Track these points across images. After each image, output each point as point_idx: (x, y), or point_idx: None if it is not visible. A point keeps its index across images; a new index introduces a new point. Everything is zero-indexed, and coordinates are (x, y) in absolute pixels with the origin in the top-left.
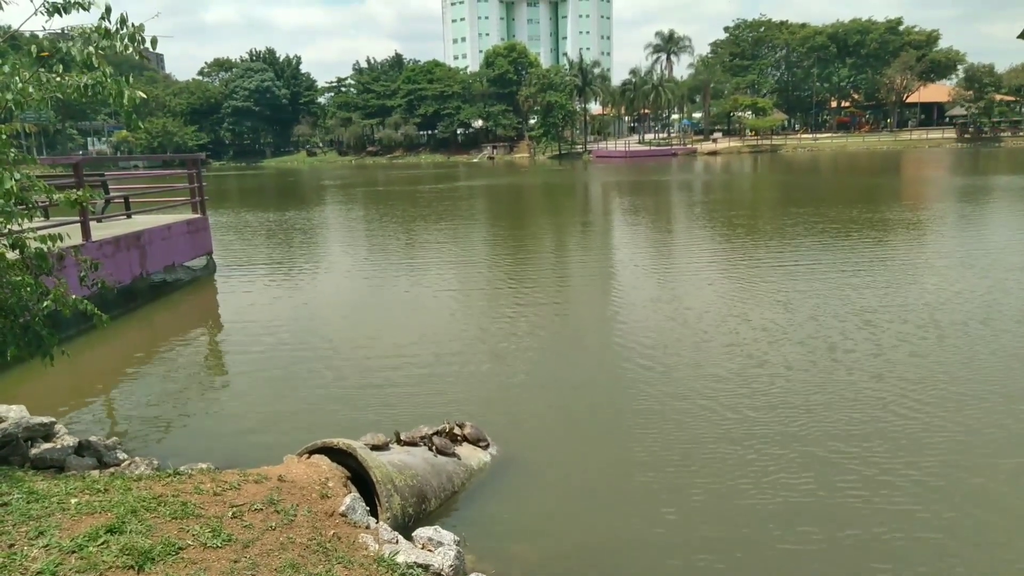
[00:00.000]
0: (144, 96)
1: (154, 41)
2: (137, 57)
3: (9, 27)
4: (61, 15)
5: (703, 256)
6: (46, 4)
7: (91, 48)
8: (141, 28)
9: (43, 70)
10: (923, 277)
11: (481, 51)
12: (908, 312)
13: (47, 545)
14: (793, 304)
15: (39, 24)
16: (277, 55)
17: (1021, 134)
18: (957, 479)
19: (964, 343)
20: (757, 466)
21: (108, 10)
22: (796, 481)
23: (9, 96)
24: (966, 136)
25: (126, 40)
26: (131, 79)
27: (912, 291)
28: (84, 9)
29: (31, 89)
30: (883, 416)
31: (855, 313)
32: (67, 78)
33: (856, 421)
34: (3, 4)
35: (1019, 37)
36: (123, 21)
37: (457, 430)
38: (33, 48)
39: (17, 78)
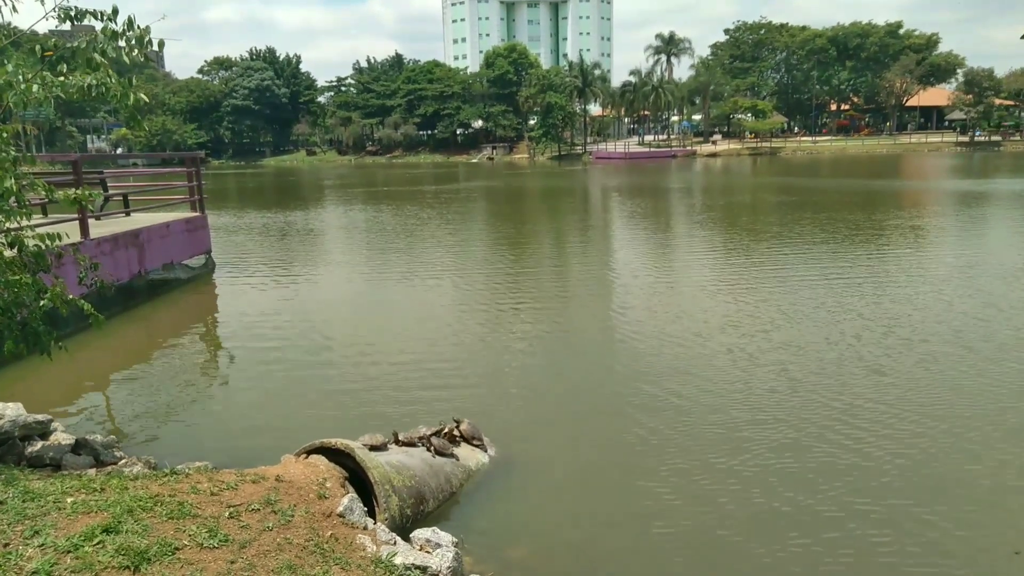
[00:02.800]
0: (147, 100)
1: (161, 44)
2: (142, 59)
3: (10, 24)
4: (73, 23)
5: (707, 263)
6: (57, 11)
7: (96, 54)
8: (147, 31)
9: (46, 71)
10: (951, 288)
11: (481, 52)
12: (942, 326)
13: (42, 545)
14: (808, 317)
15: (45, 25)
16: (277, 54)
17: (1018, 138)
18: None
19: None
20: (759, 471)
21: (115, 11)
22: (802, 492)
23: (12, 96)
24: (965, 140)
25: (133, 42)
26: (133, 79)
27: (941, 304)
28: (96, 18)
29: (35, 88)
30: (916, 453)
31: (885, 329)
32: (71, 78)
33: (885, 456)
34: (15, 7)
35: (1023, 38)
36: (130, 24)
37: (453, 426)
38: (37, 48)
39: (20, 77)
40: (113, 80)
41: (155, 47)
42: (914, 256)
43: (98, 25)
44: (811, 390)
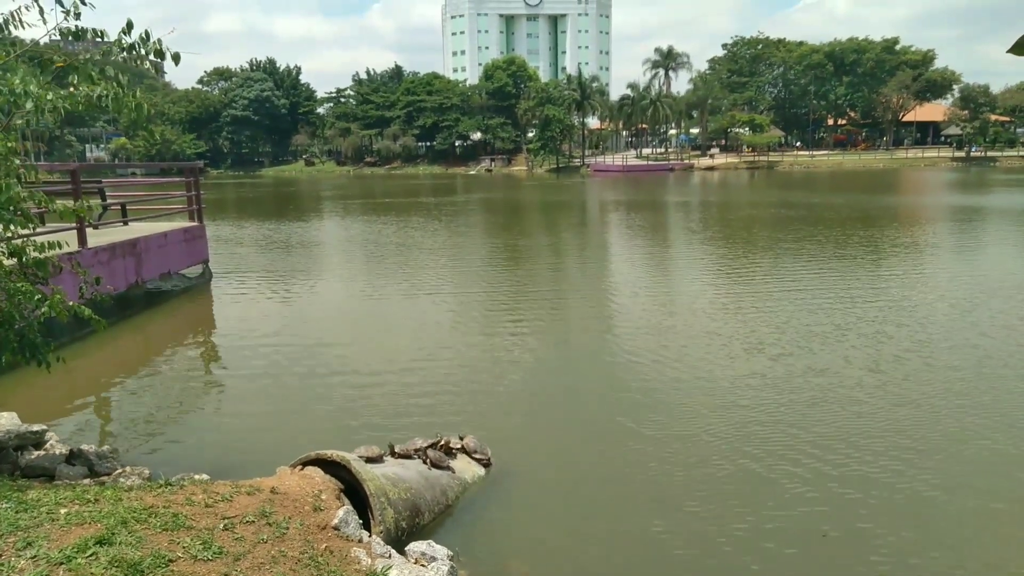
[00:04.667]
0: (152, 111)
1: (176, 57)
2: (154, 72)
3: (10, 34)
4: (78, 39)
5: (715, 281)
6: (60, 30)
7: (110, 67)
8: (159, 43)
9: (53, 84)
10: (977, 312)
11: (480, 64)
12: (969, 351)
13: (35, 556)
14: (829, 340)
15: (48, 35)
16: (277, 65)
17: (1016, 153)
18: None
19: None
20: (757, 482)
21: (130, 25)
22: (797, 500)
23: (29, 106)
24: (961, 155)
25: (151, 55)
26: (137, 91)
27: (967, 327)
28: (100, 37)
29: (50, 96)
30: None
31: (912, 353)
32: (80, 89)
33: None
34: (23, 23)
35: (1009, 51)
36: (147, 36)
37: (456, 442)
38: (47, 61)
39: (33, 87)
40: (123, 89)
41: (170, 59)
42: (934, 275)
43: (99, 42)
44: (832, 422)
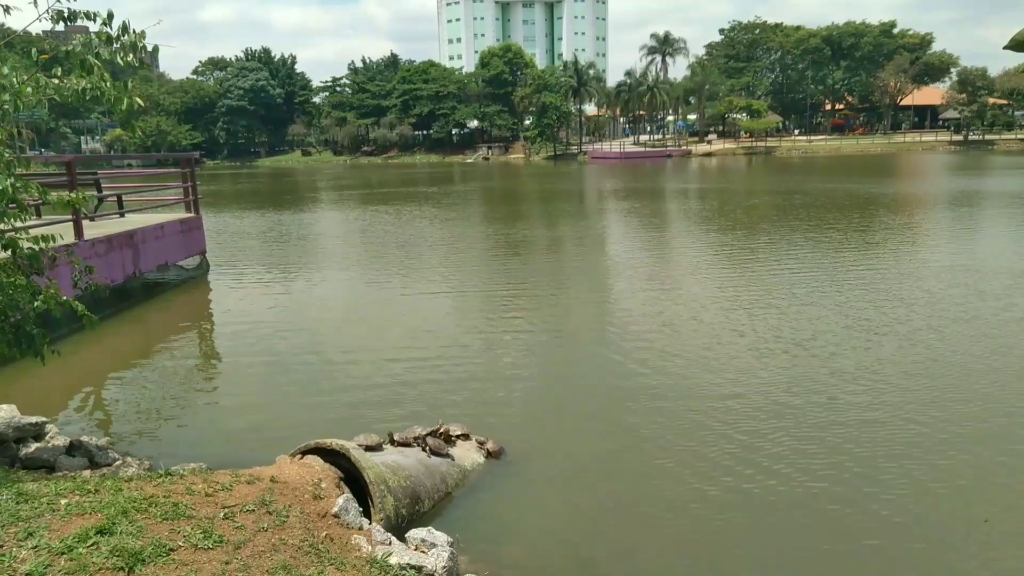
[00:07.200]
0: (142, 104)
1: (155, 49)
2: (137, 64)
3: (3, 25)
4: (67, 24)
5: (722, 273)
6: (51, 12)
7: (91, 58)
8: (142, 35)
9: (42, 73)
10: (1011, 305)
11: (476, 52)
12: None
13: (36, 546)
14: (836, 327)
15: (39, 25)
16: (272, 54)
17: (1014, 136)
18: None
19: None
20: (755, 469)
21: (111, 16)
22: (794, 483)
23: (7, 97)
24: (959, 139)
25: (127, 48)
26: (129, 83)
27: (999, 318)
28: (90, 19)
29: (28, 90)
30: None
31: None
32: (65, 81)
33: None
34: (8, 9)
35: (1006, 48)
36: (124, 29)
37: (455, 430)
38: (33, 51)
39: (15, 79)
40: (108, 84)
41: (148, 51)
42: (959, 265)
43: (92, 26)
44: (881, 432)
